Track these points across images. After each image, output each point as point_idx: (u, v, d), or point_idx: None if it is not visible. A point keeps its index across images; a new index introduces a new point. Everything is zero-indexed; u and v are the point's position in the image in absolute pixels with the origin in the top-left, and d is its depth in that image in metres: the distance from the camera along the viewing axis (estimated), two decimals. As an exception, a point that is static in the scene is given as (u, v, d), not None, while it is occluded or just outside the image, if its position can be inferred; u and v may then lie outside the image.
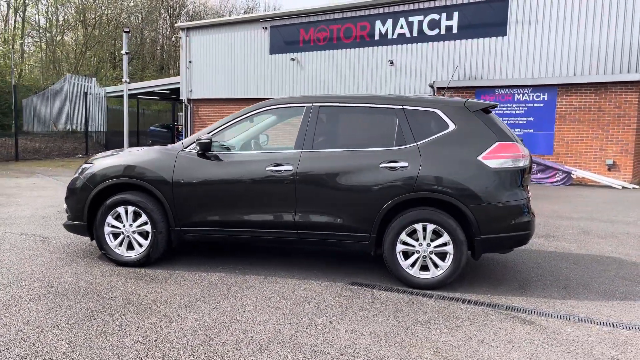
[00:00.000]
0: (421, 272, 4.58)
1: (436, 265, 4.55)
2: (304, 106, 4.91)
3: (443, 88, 15.43)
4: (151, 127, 29.86)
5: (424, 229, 4.53)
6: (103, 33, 40.39)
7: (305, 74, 20.94)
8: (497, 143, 4.53)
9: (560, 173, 13.66)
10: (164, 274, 4.78)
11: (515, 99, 14.77)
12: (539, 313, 4.07)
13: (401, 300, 4.26)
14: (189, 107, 24.23)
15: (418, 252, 4.57)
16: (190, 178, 4.84)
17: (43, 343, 3.27)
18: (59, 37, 39.64)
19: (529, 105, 14.60)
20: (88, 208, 5.03)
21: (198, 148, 4.83)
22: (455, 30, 16.71)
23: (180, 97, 24.43)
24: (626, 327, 3.84)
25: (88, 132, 20.82)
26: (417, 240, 4.56)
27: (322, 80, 20.54)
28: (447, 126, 4.63)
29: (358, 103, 4.91)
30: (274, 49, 21.60)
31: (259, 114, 5.01)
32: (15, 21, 34.21)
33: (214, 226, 4.86)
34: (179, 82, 24.75)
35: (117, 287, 4.37)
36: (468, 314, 4.00)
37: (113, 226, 5.00)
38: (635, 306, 4.30)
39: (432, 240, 4.53)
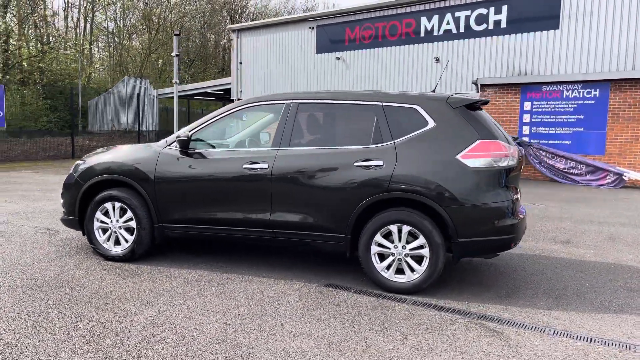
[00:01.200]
0: (397, 276, 4.39)
1: (412, 269, 4.34)
2: (284, 103, 4.83)
3: (486, 85, 14.85)
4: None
5: (400, 231, 4.34)
6: (167, 36, 42.00)
7: (350, 73, 20.81)
8: (478, 141, 4.26)
9: (612, 175, 12.77)
10: (146, 270, 4.85)
11: (564, 96, 13.95)
12: (512, 324, 3.79)
13: (369, 304, 4.10)
14: (239, 107, 24.64)
15: (393, 254, 4.38)
16: (170, 175, 4.88)
17: (-7, 332, 3.39)
18: (126, 42, 41.60)
19: (579, 102, 13.75)
20: (79, 203, 5.19)
21: (177, 145, 4.86)
22: (504, 25, 16.04)
23: (232, 98, 24.94)
24: (604, 342, 3.50)
25: (141, 132, 21.69)
26: (392, 242, 4.38)
27: (367, 79, 20.33)
28: (426, 123, 4.41)
29: (336, 100, 4.77)
30: (320, 49, 21.60)
31: (239, 111, 4.98)
32: (85, 27, 36.21)
33: (194, 223, 4.88)
34: (229, 83, 25.27)
35: (92, 281, 4.48)
36: (432, 322, 3.78)
37: (102, 221, 5.14)
38: (627, 320, 3.91)
39: (408, 243, 4.33)
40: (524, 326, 3.74)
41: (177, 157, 4.89)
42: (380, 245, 4.40)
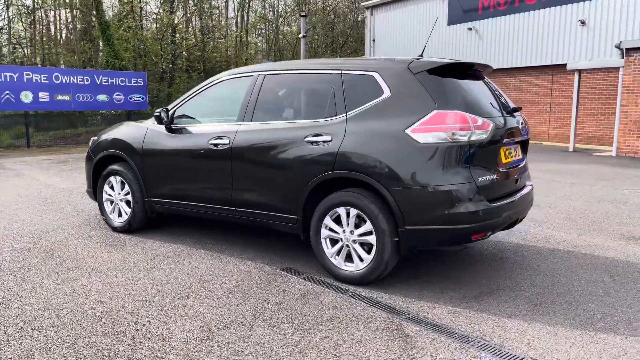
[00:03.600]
0: (346, 264, 3.96)
1: (361, 258, 3.87)
2: (252, 75, 4.61)
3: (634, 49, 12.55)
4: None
5: (348, 214, 3.88)
6: (319, 18, 43.04)
7: (483, 44, 19.26)
8: (433, 112, 3.59)
9: None
10: (133, 242, 5.06)
11: None
12: (442, 330, 3.17)
13: (302, 292, 3.76)
14: (372, 85, 24.36)
15: (341, 240, 3.95)
16: (153, 151, 4.99)
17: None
18: (286, 27, 43.61)
19: None
20: (92, 176, 5.59)
21: (155, 121, 4.94)
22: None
23: (365, 76, 24.69)
24: (531, 366, 2.75)
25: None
26: (342, 226, 3.94)
27: (501, 50, 18.62)
28: (381, 92, 3.85)
29: (299, 70, 4.40)
30: (452, 19, 20.31)
31: (215, 85, 4.86)
32: (243, 16, 38.76)
33: (172, 199, 4.94)
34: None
35: (75, 250, 4.79)
36: (349, 317, 3.33)
37: (108, 194, 5.47)
38: (597, 341, 3.02)
39: (357, 228, 3.86)
40: (453, 334, 3.10)
41: (160, 133, 4.98)
42: (331, 229, 3.99)
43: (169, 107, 4.99)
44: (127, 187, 5.26)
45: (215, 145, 4.50)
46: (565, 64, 15.20)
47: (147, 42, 26.84)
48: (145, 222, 5.29)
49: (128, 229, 5.31)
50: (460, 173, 3.55)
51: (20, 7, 28.53)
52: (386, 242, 3.69)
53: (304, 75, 4.36)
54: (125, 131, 5.33)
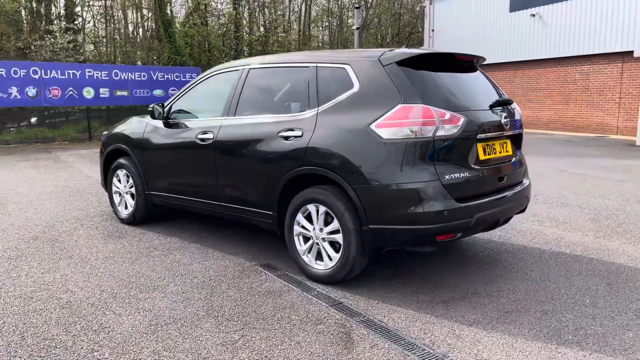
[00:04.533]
0: (317, 262, 3.87)
1: (330, 257, 3.76)
2: (238, 70, 4.59)
3: None
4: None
5: (318, 212, 3.79)
6: (381, 10, 42.42)
7: (547, 31, 18.23)
8: (398, 106, 3.42)
9: None
10: (134, 233, 5.21)
11: None
12: (390, 335, 3.02)
13: (268, 290, 3.71)
14: (430, 77, 23.75)
15: (312, 237, 3.86)
16: (151, 145, 5.10)
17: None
18: (351, 19, 43.38)
19: None
20: (103, 169, 5.82)
21: (149, 117, 5.04)
22: None
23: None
24: (465, 380, 2.56)
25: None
26: (313, 224, 3.85)
27: (566, 36, 17.55)
28: (351, 86, 3.71)
29: (279, 64, 4.33)
30: (515, 5, 19.36)
31: (207, 79, 4.88)
32: (305, 9, 38.96)
33: (168, 192, 5.03)
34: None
35: (78, 240, 4.99)
36: (298, 318, 3.25)
37: (116, 186, 5.67)
38: (554, 356, 2.76)
39: (326, 225, 3.76)
40: (401, 343, 2.95)
41: (157, 128, 5.08)
42: (303, 226, 3.91)
43: (167, 102, 5.08)
44: (131, 180, 5.42)
45: (202, 140, 4.53)
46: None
47: (210, 38, 27.61)
48: (148, 214, 5.42)
49: (132, 221, 5.47)
50: (425, 170, 3.36)
51: (97, 7, 30.18)
52: (352, 241, 3.56)
53: (283, 68, 4.29)
54: (130, 126, 5.48)
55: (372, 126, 3.45)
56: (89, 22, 31.29)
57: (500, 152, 3.83)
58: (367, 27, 41.58)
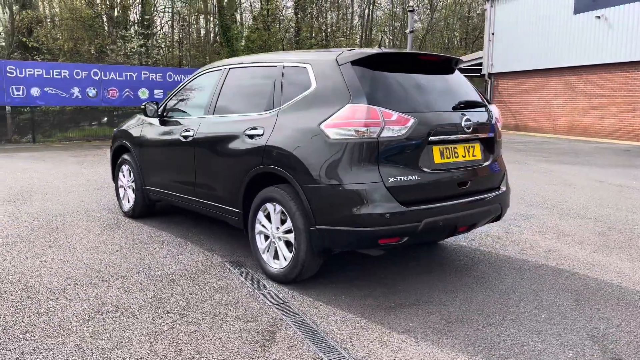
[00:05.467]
0: (274, 261, 3.87)
1: (285, 257, 3.76)
2: (220, 69, 4.68)
3: None
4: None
5: (275, 211, 3.79)
6: (447, 14, 41.56)
7: (613, 34, 17.20)
8: (347, 106, 3.36)
9: None
10: (130, 226, 5.41)
11: None
12: (315, 338, 2.98)
13: (222, 286, 3.75)
14: (489, 82, 23.11)
15: (268, 236, 3.87)
16: (146, 141, 5.29)
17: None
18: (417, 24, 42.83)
19: None
20: (111, 164, 6.10)
21: (142, 114, 5.23)
22: None
23: (482, 72, 23.47)
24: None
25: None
26: (271, 222, 3.87)
27: (634, 41, 16.45)
28: (309, 85, 3.69)
29: (254, 63, 4.36)
30: (579, 7, 18.43)
31: (196, 78, 5.00)
32: (368, 14, 38.84)
33: (159, 187, 5.19)
34: (480, 57, 23.77)
35: (76, 230, 5.25)
36: (235, 315, 3.26)
37: (121, 181, 5.93)
38: (469, 371, 2.62)
39: (283, 224, 3.76)
40: (322, 346, 2.90)
41: (151, 125, 5.26)
42: (263, 225, 3.93)
43: (163, 100, 5.25)
44: (132, 175, 5.65)
45: (184, 137, 4.65)
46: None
47: (270, 42, 28.15)
48: (145, 209, 5.62)
49: (132, 214, 5.70)
50: (368, 172, 3.28)
51: (169, 13, 31.58)
52: (301, 241, 3.54)
53: (257, 68, 4.32)
54: (132, 123, 5.72)
55: (322, 126, 3.41)
56: (162, 28, 32.83)
57: (464, 156, 3.67)
58: (432, 31, 40.95)
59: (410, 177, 3.34)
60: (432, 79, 3.76)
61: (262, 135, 3.82)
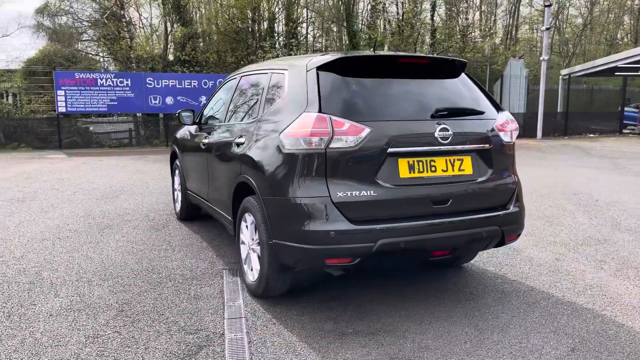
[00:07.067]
0: (251, 272, 3.77)
1: (256, 269, 3.65)
2: (235, 77, 4.71)
3: None
4: (627, 110, 25.99)
5: (250, 221, 3.71)
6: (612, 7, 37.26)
7: None
8: (303, 114, 3.16)
9: None
10: (173, 227, 5.68)
11: None
12: (236, 356, 2.85)
13: (198, 294, 3.75)
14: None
15: (246, 247, 3.80)
16: (183, 148, 5.54)
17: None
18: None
19: None
20: (171, 169, 6.47)
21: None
22: None
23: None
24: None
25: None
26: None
27: None
28: (283, 92, 3.55)
29: (256, 71, 4.30)
30: None
31: (222, 87, 5.07)
32: (514, 11, 36.32)
33: (192, 191, 5.39)
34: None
35: (123, 228, 5.67)
36: (181, 323, 3.24)
37: (175, 185, 6.26)
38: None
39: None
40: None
41: (188, 132, 5.48)
42: (244, 234, 3.87)
43: (202, 107, 5.46)
44: (179, 179, 5.94)
45: (204, 144, 4.76)
46: None
47: (401, 47, 27.79)
48: (190, 212, 5.85)
49: (180, 216, 6.00)
50: (315, 186, 3.04)
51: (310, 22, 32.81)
52: (264, 255, 3.41)
53: (255, 76, 4.27)
54: (181, 131, 6.01)
55: (281, 135, 3.25)
56: (304, 37, 34.24)
57: (445, 171, 3.23)
58: (591, 26, 36.99)
59: (364, 193, 3.02)
60: (414, 84, 3.38)
61: (243, 144, 3.76)
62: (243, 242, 3.87)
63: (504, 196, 3.45)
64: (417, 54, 3.73)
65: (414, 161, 3.14)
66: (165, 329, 3.18)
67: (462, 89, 3.51)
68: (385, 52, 3.48)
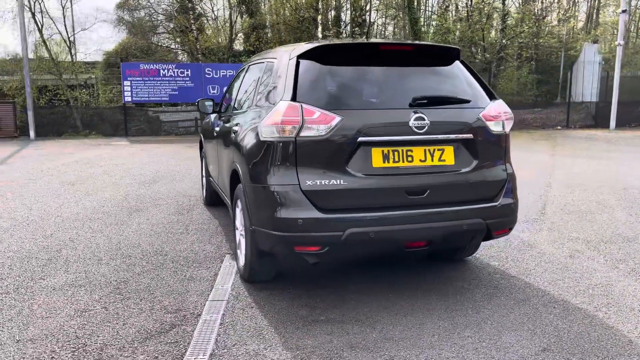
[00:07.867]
0: (242, 256, 3.88)
1: (244, 254, 3.75)
2: (245, 67, 4.79)
3: None
4: None
5: (240, 207, 3.80)
6: None
7: None
8: (279, 103, 3.20)
9: None
10: (198, 212, 5.92)
11: None
12: (203, 339, 2.96)
13: (192, 276, 3.89)
14: None
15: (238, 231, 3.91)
16: (205, 135, 5.73)
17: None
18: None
19: None
20: (200, 156, 6.70)
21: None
22: None
23: None
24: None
25: (571, 103, 19.74)
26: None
27: None
28: (270, 81, 3.60)
29: (259, 60, 4.35)
30: None
31: (237, 76, 5.16)
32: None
33: (211, 178, 5.57)
34: None
35: (151, 211, 5.96)
36: (165, 304, 3.39)
37: (202, 172, 6.49)
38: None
39: (246, 222, 3.76)
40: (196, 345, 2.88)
41: (210, 120, 5.64)
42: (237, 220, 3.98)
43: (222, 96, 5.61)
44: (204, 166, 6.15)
45: (216, 132, 4.91)
46: None
47: (467, 34, 26.86)
48: (212, 198, 6.04)
49: (206, 202, 6.22)
50: (286, 174, 3.07)
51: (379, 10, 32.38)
52: (247, 240, 3.50)
53: (256, 65, 4.33)
54: (206, 119, 6.20)
55: (261, 124, 3.30)
56: (372, 24, 33.93)
57: (423, 161, 3.15)
58: (624, 10, 33.84)
59: (333, 182, 3.02)
60: (396, 72, 3.31)
61: (237, 132, 3.85)
62: (237, 228, 3.97)
63: (491, 188, 3.32)
64: (402, 41, 3.65)
65: (388, 150, 3.09)
66: (149, 307, 3.34)
67: (451, 78, 3.40)
68: (371, 40, 3.42)
